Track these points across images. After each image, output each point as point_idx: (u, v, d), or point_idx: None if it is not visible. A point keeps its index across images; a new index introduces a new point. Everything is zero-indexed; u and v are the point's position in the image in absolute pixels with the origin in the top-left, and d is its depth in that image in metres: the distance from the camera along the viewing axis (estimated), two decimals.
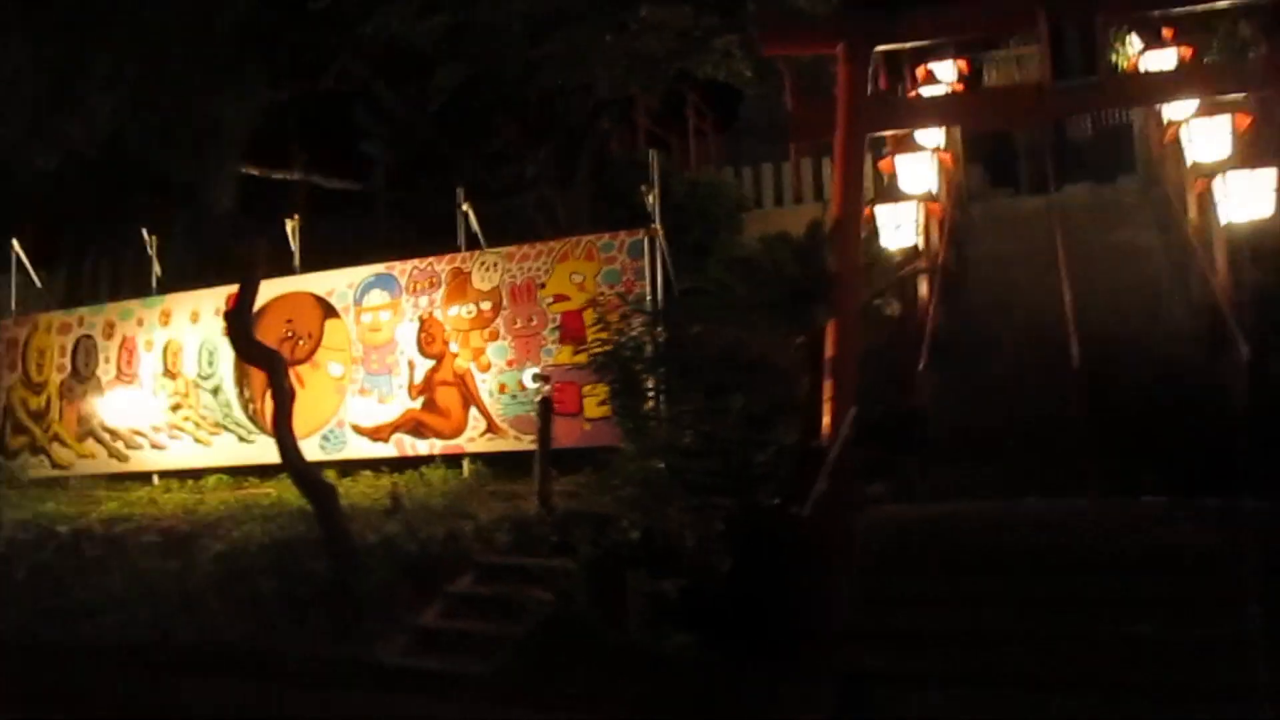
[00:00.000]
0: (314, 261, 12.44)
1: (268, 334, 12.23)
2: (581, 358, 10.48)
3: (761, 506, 7.23)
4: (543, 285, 10.96)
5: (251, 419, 12.25)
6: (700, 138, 16.73)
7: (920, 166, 11.16)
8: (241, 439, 12.30)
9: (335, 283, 11.96)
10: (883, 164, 11.65)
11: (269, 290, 12.32)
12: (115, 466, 13.02)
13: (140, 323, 13.10)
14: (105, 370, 13.26)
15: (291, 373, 11.95)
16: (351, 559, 8.51)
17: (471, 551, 8.53)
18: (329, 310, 11.96)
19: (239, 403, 12.35)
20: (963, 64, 13.88)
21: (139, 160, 11.87)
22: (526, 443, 10.76)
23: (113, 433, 13.09)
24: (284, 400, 9.00)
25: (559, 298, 10.88)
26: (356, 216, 14.84)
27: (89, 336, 13.42)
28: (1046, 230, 12.23)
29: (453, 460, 11.32)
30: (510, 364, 10.99)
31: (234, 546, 9.45)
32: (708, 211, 13.74)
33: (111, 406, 13.11)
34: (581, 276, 10.79)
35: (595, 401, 10.55)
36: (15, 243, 13.99)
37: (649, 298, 10.39)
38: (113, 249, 15.03)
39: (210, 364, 12.59)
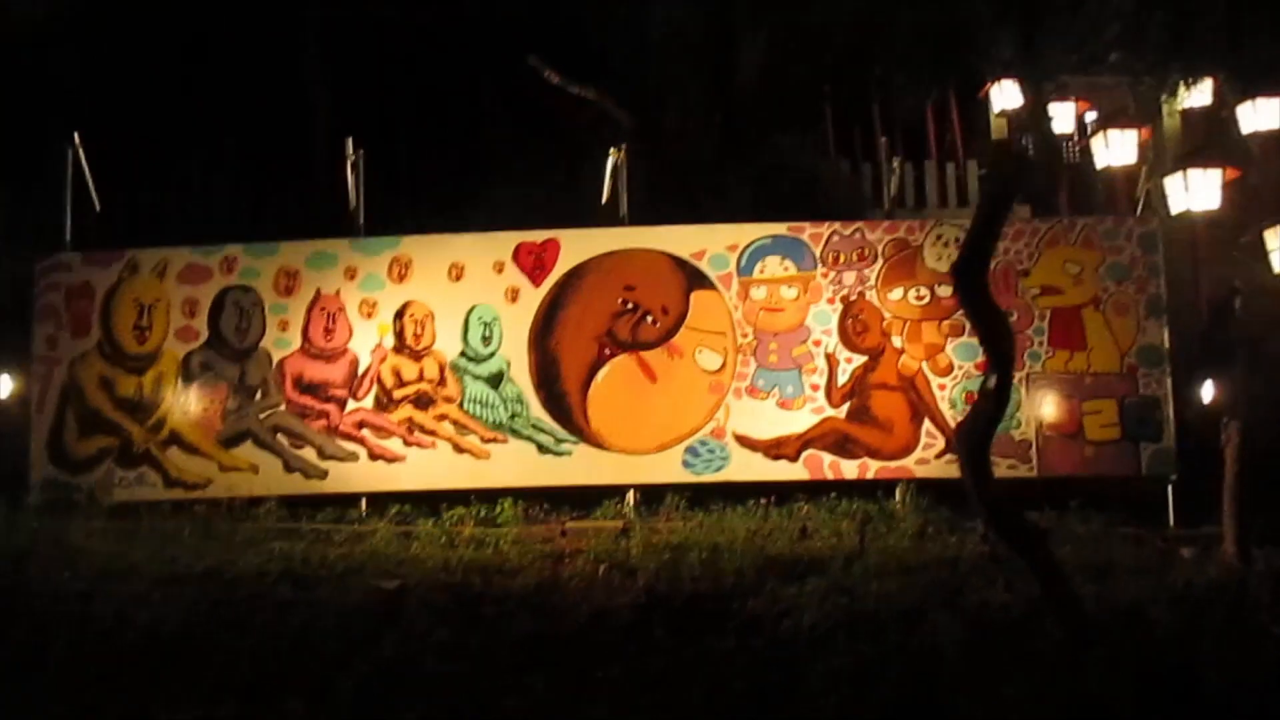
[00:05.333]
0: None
1: (590, 304, 8.86)
2: (1080, 365, 8.75)
3: None
4: (1026, 273, 8.82)
5: (563, 419, 8.67)
6: None
7: None
8: (544, 448, 8.65)
9: (706, 242, 8.82)
10: None
11: (592, 243, 9.00)
12: (299, 485, 8.63)
13: (350, 274, 8.82)
14: (278, 340, 8.77)
15: (633, 360, 8.84)
16: (1091, 636, 6.07)
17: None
18: (696, 279, 8.79)
19: (537, 396, 8.70)
20: None
21: None
22: (1004, 468, 8.59)
23: (295, 436, 8.68)
24: (1001, 403, 6.21)
25: (1048, 290, 8.81)
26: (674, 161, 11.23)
27: (245, 289, 8.80)
28: None
29: (867, 489, 8.74)
30: (980, 368, 8.70)
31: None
32: None
33: (293, 395, 8.71)
34: (1078, 268, 8.82)
35: (1099, 422, 8.71)
36: (76, 138, 8.95)
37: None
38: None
39: (486, 340, 8.77)
